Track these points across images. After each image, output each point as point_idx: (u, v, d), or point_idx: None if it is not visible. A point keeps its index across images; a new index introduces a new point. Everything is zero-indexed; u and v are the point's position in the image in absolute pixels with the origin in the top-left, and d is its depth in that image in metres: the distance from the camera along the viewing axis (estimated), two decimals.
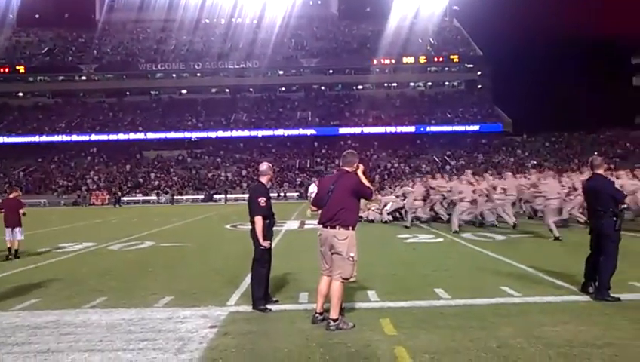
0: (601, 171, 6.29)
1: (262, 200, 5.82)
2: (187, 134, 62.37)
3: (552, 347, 4.40)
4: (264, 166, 6.21)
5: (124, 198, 47.78)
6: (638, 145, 58.34)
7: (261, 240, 5.80)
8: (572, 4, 77.66)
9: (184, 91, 69.48)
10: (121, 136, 61.19)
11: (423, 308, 5.86)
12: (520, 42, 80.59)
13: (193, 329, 5.15)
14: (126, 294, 6.83)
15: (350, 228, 5.14)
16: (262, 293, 5.95)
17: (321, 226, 5.29)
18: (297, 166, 57.64)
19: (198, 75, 68.74)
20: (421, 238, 12.56)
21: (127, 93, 68.63)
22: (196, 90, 68.64)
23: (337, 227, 5.11)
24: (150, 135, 61.39)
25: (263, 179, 6.09)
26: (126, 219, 25.25)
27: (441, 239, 12.33)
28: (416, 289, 6.76)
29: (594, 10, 77.99)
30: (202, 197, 49.22)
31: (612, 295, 5.89)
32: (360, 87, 70.75)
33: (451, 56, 69.15)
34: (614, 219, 5.93)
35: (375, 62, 67.97)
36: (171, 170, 57.67)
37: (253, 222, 5.86)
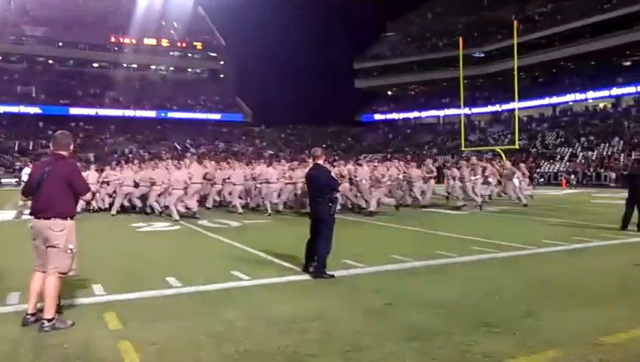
0: (320, 161, 6.96)
1: None
2: None
3: (274, 324, 4.69)
4: None
5: None
6: (358, 139, 67.11)
7: None
8: (306, 9, 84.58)
9: None
10: None
11: (154, 298, 5.68)
12: (259, 37, 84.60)
13: None
14: None
15: (68, 218, 4.69)
16: None
17: (32, 217, 4.71)
18: (17, 148, 50.53)
19: None
20: (156, 226, 12.23)
21: None
22: None
23: (52, 218, 4.61)
24: None
25: None
26: None
27: (177, 227, 12.19)
28: (147, 279, 6.53)
29: (325, 18, 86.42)
30: None
31: (328, 272, 6.58)
32: (95, 65, 65.40)
33: (195, 43, 68.91)
34: (330, 204, 6.63)
35: (113, 39, 63.65)
36: None
37: None
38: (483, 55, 58.36)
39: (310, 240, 6.84)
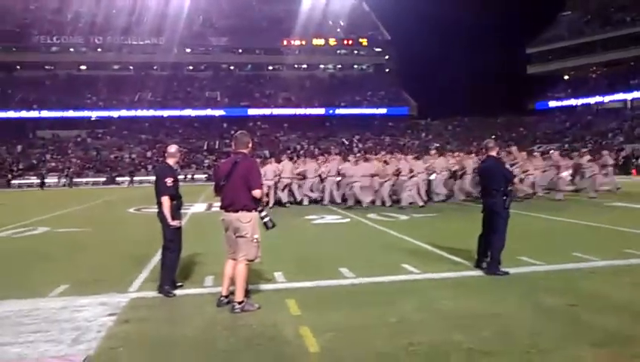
0: (493, 153, 6.68)
1: (169, 180, 5.71)
2: (87, 113, 58.86)
3: (448, 319, 4.66)
4: (173, 148, 6.13)
5: (15, 181, 44.41)
6: (531, 129, 62.84)
7: (169, 219, 5.67)
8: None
9: (83, 67, 65.25)
10: (12, 114, 56.38)
11: (329, 287, 5.98)
12: (424, 29, 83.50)
13: (91, 318, 4.92)
14: (16, 284, 6.38)
15: (253, 210, 5.12)
16: (171, 278, 5.83)
17: (223, 211, 5.24)
18: (205, 147, 56.40)
19: (99, 50, 64.80)
20: (328, 219, 12.77)
21: (18, 67, 63.29)
22: (97, 67, 64.59)
23: (240, 210, 5.08)
24: (45, 113, 57.13)
25: (170, 161, 5.99)
26: (17, 203, 23.53)
27: (347, 220, 12.59)
28: (322, 269, 6.88)
29: (494, 2, 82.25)
30: (104, 179, 46.84)
31: (502, 269, 6.31)
32: (270, 67, 70.15)
33: (360, 40, 70.28)
34: (505, 197, 6.34)
35: (285, 42, 67.65)
36: (69, 150, 54.27)
37: (160, 204, 5.72)
38: None
39: (482, 234, 6.61)
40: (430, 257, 7.57)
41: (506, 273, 6.27)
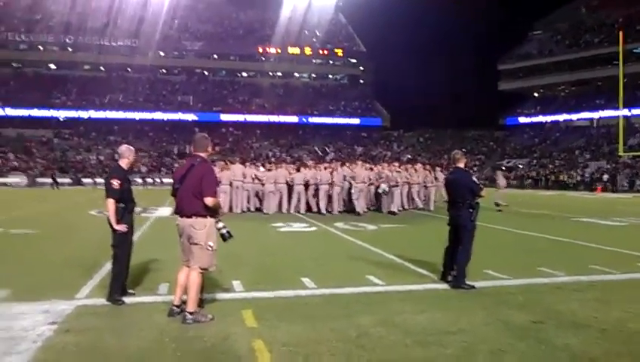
0: (461, 165, 6.55)
1: (115, 183, 5.37)
2: (55, 113, 57.33)
3: (410, 334, 4.45)
4: (122, 148, 5.79)
5: None
6: (500, 143, 63.81)
7: (114, 223, 5.34)
8: (448, 12, 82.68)
9: (53, 66, 63.74)
10: None
11: (288, 298, 5.72)
12: (399, 43, 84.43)
13: (29, 327, 4.55)
14: None
15: (208, 216, 4.85)
16: (121, 285, 5.49)
17: (177, 216, 4.95)
18: (176, 151, 55.54)
19: (70, 49, 63.40)
20: (295, 227, 12.52)
21: None
22: (67, 66, 63.14)
23: (194, 216, 4.81)
24: (10, 111, 55.48)
25: (122, 163, 5.64)
26: None
27: (314, 228, 12.37)
28: (283, 278, 6.62)
29: (467, 19, 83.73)
30: (69, 181, 45.60)
31: (468, 283, 6.15)
32: (244, 74, 69.76)
33: (336, 50, 70.50)
34: (471, 210, 6.20)
35: (261, 50, 67.40)
36: (34, 150, 52.76)
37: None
38: None
39: (449, 247, 6.46)
40: (395, 269, 7.39)
41: (472, 287, 6.12)
